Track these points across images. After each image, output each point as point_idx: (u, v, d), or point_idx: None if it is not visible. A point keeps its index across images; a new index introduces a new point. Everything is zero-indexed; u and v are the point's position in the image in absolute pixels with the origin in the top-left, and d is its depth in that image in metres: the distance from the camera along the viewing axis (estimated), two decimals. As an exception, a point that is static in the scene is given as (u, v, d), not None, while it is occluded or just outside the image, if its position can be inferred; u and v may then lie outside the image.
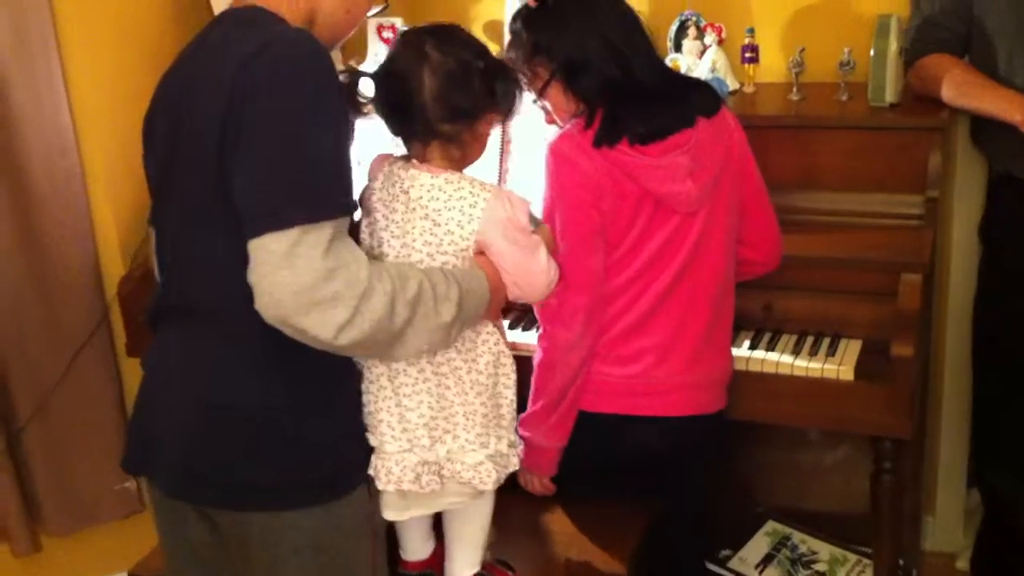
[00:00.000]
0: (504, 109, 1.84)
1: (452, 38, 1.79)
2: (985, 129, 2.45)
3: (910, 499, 2.66)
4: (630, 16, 2.03)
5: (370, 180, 1.85)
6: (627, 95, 1.97)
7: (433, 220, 1.76)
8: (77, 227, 2.78)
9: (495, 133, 2.46)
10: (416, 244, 1.76)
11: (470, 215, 1.76)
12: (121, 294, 2.75)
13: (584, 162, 1.94)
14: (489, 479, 1.80)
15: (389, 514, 1.84)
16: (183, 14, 2.99)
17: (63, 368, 2.80)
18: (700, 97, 2.06)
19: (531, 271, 1.84)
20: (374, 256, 1.80)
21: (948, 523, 2.93)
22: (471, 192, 1.77)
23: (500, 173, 2.45)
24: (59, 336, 2.79)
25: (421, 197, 1.76)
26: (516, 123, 2.48)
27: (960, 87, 2.35)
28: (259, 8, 1.67)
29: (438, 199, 1.76)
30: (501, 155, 2.45)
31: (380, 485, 1.77)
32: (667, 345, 2.03)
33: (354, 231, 1.85)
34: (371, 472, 1.79)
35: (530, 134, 2.47)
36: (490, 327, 1.83)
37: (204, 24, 2.86)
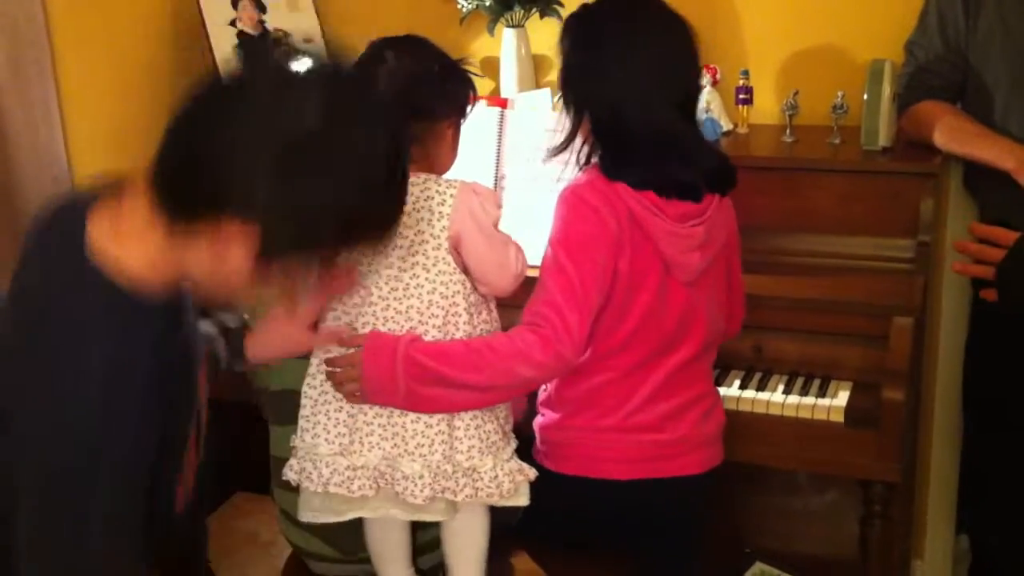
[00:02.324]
0: (457, 110, 1.86)
1: (409, 44, 1.84)
2: (977, 176, 2.46)
3: (899, 544, 2.64)
4: (659, 56, 1.93)
5: None
6: (613, 138, 1.92)
7: (403, 223, 1.75)
8: (68, 254, 2.77)
9: (488, 169, 2.48)
10: (387, 250, 1.75)
11: (439, 212, 1.78)
12: (110, 322, 2.73)
13: (605, 212, 1.88)
14: (421, 493, 1.77)
15: (307, 515, 1.85)
16: (179, 44, 3.01)
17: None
18: (714, 171, 1.99)
19: (503, 264, 1.83)
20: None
21: (937, 568, 2.91)
22: (438, 190, 1.79)
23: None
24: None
25: None
26: (511, 161, 2.49)
27: (953, 133, 2.36)
28: (92, 269, 1.38)
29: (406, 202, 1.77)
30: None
31: (311, 486, 1.79)
32: (685, 407, 2.01)
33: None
34: (294, 474, 1.82)
35: (524, 174, 2.48)
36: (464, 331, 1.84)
37: (202, 53, 2.92)
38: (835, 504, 2.64)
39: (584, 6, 2.01)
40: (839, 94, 2.49)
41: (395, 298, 1.79)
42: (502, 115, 2.52)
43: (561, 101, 2.00)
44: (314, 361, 1.85)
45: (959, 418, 2.70)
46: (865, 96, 2.39)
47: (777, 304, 2.25)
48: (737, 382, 2.27)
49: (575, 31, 1.98)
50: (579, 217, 1.88)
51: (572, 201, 1.90)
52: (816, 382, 2.25)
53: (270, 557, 2.25)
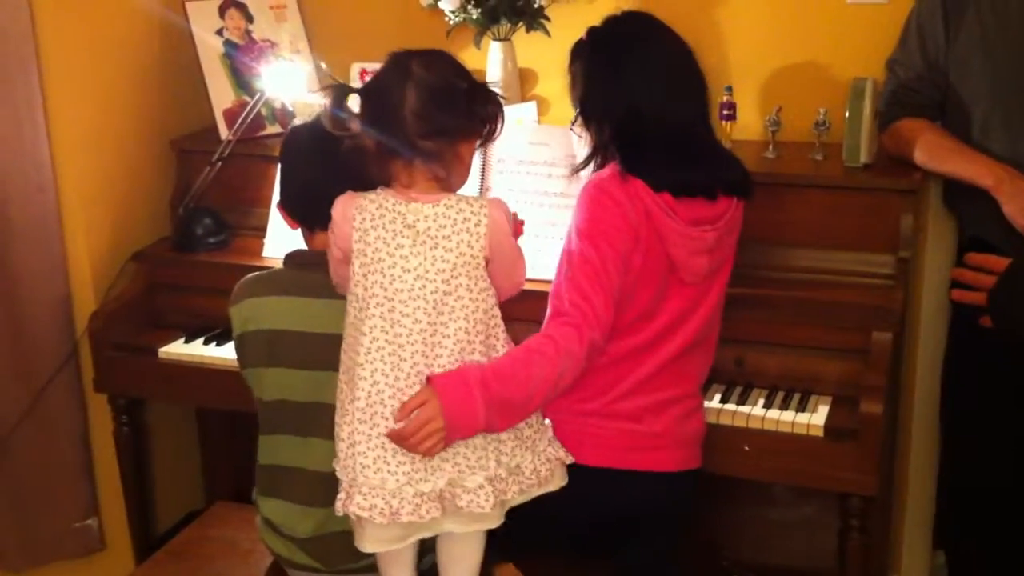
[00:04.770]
0: (484, 131, 1.85)
1: (437, 59, 1.83)
2: (957, 193, 2.48)
3: (876, 558, 2.66)
4: (671, 70, 2.06)
5: (339, 220, 1.83)
6: (636, 145, 2.00)
7: (444, 247, 1.78)
8: (50, 261, 2.77)
9: (473, 181, 2.49)
10: (430, 275, 1.78)
11: (476, 233, 1.79)
12: (92, 329, 2.73)
13: (627, 206, 1.96)
14: (487, 503, 1.80)
15: (372, 546, 1.84)
16: (167, 52, 3.01)
17: (29, 402, 2.77)
18: (730, 175, 2.09)
19: (522, 269, 1.91)
20: (375, 295, 1.78)
21: (914, 583, 2.93)
22: (472, 212, 1.80)
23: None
24: (26, 370, 2.77)
25: (428, 228, 1.78)
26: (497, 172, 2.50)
27: (933, 151, 2.38)
28: None
29: (445, 226, 1.79)
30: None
31: (380, 519, 1.77)
32: (666, 403, 2.06)
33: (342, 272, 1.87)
34: (360, 511, 1.78)
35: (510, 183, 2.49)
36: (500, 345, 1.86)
37: (189, 62, 2.93)
38: (813, 517, 2.65)
39: (593, 29, 2.10)
40: (821, 111, 2.52)
41: (441, 322, 1.79)
42: (487, 127, 2.53)
43: (581, 119, 2.09)
44: (360, 395, 1.80)
45: (937, 433, 2.72)
46: (847, 113, 2.42)
47: (758, 318, 2.27)
48: (718, 395, 2.28)
49: (592, 53, 2.08)
50: (601, 207, 1.96)
51: (595, 193, 1.98)
52: (796, 395, 2.27)
53: (249, 566, 2.24)
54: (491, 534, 1.94)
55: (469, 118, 1.82)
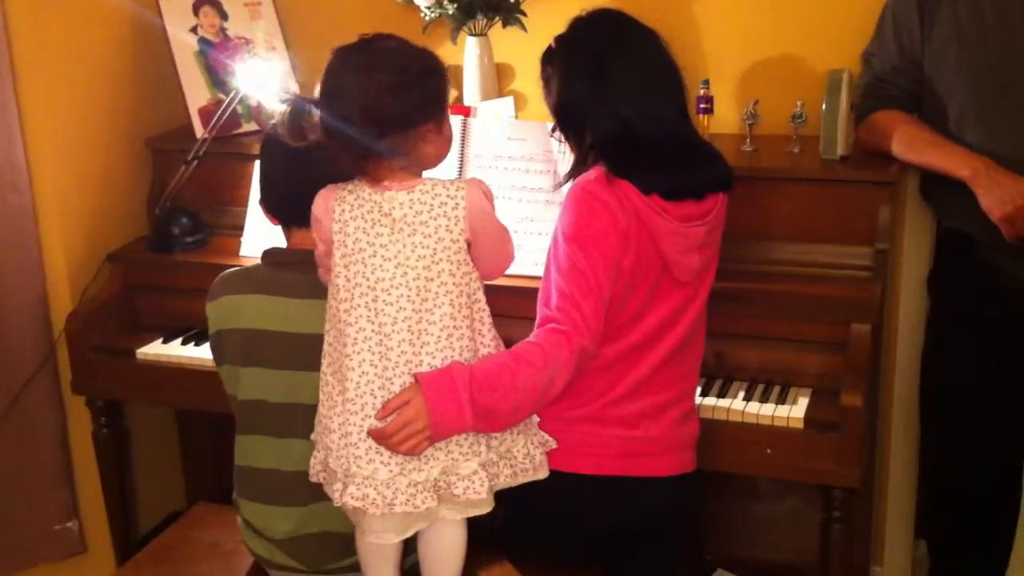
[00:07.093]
0: (431, 111, 1.82)
1: (379, 51, 1.79)
2: (934, 184, 2.49)
3: (859, 549, 2.66)
4: (650, 67, 2.03)
5: (321, 215, 1.83)
6: (623, 150, 1.98)
7: (422, 233, 1.78)
8: (26, 263, 2.75)
9: (451, 176, 2.49)
10: (410, 262, 1.77)
11: (455, 216, 1.78)
12: (69, 331, 2.71)
13: (616, 209, 1.93)
14: (483, 488, 1.79)
15: (372, 536, 1.83)
16: (140, 51, 2.99)
17: (6, 405, 2.75)
18: (716, 172, 2.07)
19: (508, 250, 1.90)
20: (359, 284, 1.78)
21: (896, 574, 2.93)
22: (448, 195, 1.79)
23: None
24: (3, 372, 2.74)
25: (405, 215, 1.78)
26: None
27: (910, 143, 2.38)
28: None
29: (421, 212, 1.78)
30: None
31: (373, 510, 1.76)
32: (663, 407, 2.04)
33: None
34: (354, 501, 1.77)
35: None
36: (489, 341, 1.85)
37: (163, 60, 2.90)
38: (795, 510, 2.66)
39: (563, 36, 2.07)
40: (798, 104, 2.52)
41: (426, 309, 1.78)
42: (465, 123, 2.53)
43: (559, 127, 2.07)
44: (350, 387, 1.79)
45: (916, 424, 2.73)
46: (823, 106, 2.42)
47: (737, 312, 2.27)
48: (698, 389, 2.28)
49: (567, 59, 2.04)
50: (590, 210, 1.93)
51: (583, 196, 1.95)
52: (776, 388, 2.27)
53: (231, 567, 2.23)
54: (483, 543, 1.94)
55: (424, 104, 1.79)
